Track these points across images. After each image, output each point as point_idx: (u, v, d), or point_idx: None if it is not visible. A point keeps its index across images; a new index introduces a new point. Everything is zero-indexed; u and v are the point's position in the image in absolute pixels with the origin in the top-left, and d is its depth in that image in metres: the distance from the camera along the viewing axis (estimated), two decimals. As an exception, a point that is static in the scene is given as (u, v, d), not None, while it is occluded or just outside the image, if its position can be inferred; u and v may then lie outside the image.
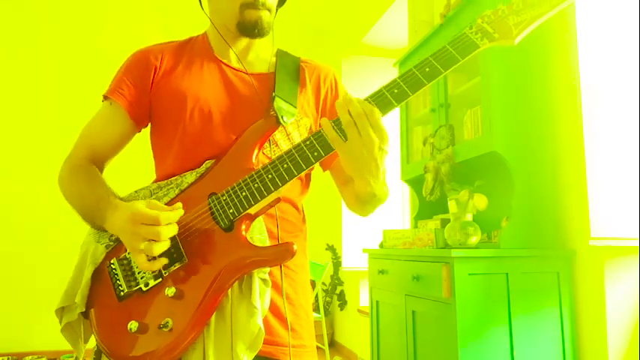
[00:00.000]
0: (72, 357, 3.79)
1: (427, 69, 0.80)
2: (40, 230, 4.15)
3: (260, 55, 1.06)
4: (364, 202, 0.92)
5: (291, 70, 1.04)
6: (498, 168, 2.07)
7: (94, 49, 4.47)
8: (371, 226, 4.15)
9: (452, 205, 2.03)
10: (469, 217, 2.00)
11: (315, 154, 0.81)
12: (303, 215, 1.04)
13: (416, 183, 2.74)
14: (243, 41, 1.03)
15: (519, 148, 1.97)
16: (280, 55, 1.07)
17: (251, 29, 0.96)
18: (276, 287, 0.91)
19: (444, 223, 2.31)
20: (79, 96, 4.41)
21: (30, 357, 3.84)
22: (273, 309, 0.90)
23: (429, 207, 2.65)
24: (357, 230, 4.31)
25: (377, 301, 2.45)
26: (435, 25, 2.45)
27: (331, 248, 4.54)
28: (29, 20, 4.32)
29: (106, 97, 1.00)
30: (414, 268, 2.02)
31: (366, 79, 4.43)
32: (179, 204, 0.81)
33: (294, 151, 0.82)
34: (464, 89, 2.33)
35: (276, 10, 1.00)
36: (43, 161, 4.25)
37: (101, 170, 1.02)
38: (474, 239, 1.96)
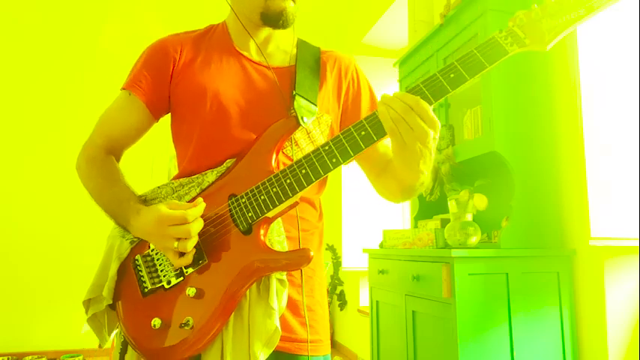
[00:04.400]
0: (72, 357, 3.79)
1: (452, 75, 0.78)
2: (40, 230, 4.15)
3: (280, 46, 1.04)
4: (412, 191, 0.93)
5: (312, 64, 1.02)
6: (498, 168, 2.07)
7: (94, 43, 4.47)
8: (371, 226, 4.15)
9: (452, 205, 2.03)
10: (469, 217, 2.00)
11: (334, 160, 0.81)
12: (320, 212, 1.04)
13: (416, 183, 2.73)
14: (264, 32, 1.01)
15: (519, 148, 1.97)
16: (300, 46, 1.05)
17: (275, 20, 0.95)
18: (292, 283, 0.92)
19: (444, 223, 2.31)
20: (79, 95, 4.41)
21: (30, 357, 3.84)
22: (290, 306, 0.91)
23: (429, 207, 2.65)
24: (357, 230, 4.31)
25: (377, 301, 2.45)
26: (435, 25, 2.45)
27: (331, 248, 4.55)
28: (31, 17, 4.32)
29: (124, 89, 0.99)
30: (414, 268, 2.02)
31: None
32: (200, 199, 0.84)
33: (312, 156, 0.82)
34: (464, 89, 2.32)
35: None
36: (44, 161, 4.25)
37: (118, 159, 1.03)
38: (474, 239, 1.96)
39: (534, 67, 2.05)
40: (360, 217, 4.28)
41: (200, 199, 0.84)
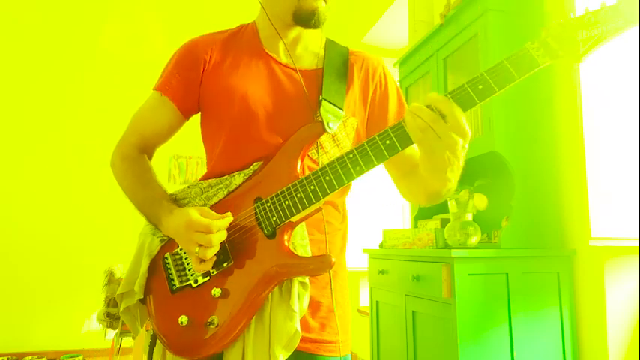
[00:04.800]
0: (72, 357, 3.79)
1: (480, 86, 0.77)
2: (40, 230, 4.15)
3: (309, 47, 1.05)
4: (438, 197, 0.93)
5: (339, 66, 1.02)
6: (498, 168, 2.07)
7: (93, 43, 4.47)
8: (371, 226, 4.15)
9: (452, 205, 2.03)
10: (469, 217, 2.00)
11: (357, 168, 0.82)
12: (344, 214, 1.05)
13: (416, 183, 2.74)
14: (293, 32, 1.01)
15: (519, 148, 1.97)
16: (329, 47, 1.06)
17: (307, 19, 0.96)
18: (314, 284, 0.94)
19: (444, 223, 2.31)
20: (79, 95, 4.41)
21: (30, 357, 3.84)
22: (311, 306, 0.92)
23: (429, 207, 2.64)
24: (357, 230, 4.31)
25: (377, 301, 2.45)
26: (435, 25, 2.45)
27: (331, 248, 4.54)
28: (31, 17, 4.32)
29: (156, 89, 1.02)
30: (414, 268, 2.02)
31: (366, 79, 4.42)
32: (229, 213, 0.87)
33: (337, 163, 0.83)
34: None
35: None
36: (44, 162, 4.25)
37: (150, 156, 1.06)
38: (474, 239, 1.96)
39: (534, 67, 2.05)
40: (360, 217, 4.28)
41: (229, 213, 0.87)
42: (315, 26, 0.97)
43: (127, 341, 3.23)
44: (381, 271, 2.34)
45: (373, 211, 4.23)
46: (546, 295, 1.85)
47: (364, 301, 3.95)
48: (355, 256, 4.23)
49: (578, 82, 1.93)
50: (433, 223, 2.44)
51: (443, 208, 2.34)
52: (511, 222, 1.91)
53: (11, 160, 4.19)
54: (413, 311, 2.04)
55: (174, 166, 4.45)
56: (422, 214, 2.67)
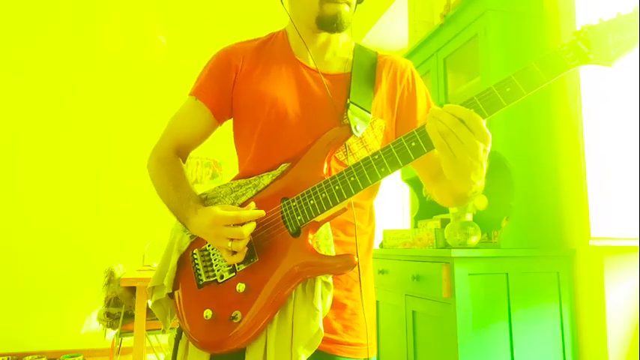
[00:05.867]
0: (72, 357, 3.79)
1: (508, 89, 0.77)
2: (40, 230, 4.15)
3: (337, 53, 1.07)
4: (464, 199, 0.94)
5: (367, 69, 1.05)
6: (498, 168, 2.07)
7: (93, 42, 4.47)
8: (371, 226, 4.14)
9: (452, 205, 2.03)
10: (469, 217, 2.00)
11: (382, 169, 0.83)
12: (370, 216, 1.06)
13: (416, 183, 2.74)
14: (322, 37, 1.04)
15: (519, 148, 1.97)
16: (357, 52, 1.08)
17: (329, 23, 0.97)
18: (338, 286, 0.95)
19: (444, 223, 2.31)
20: (79, 95, 4.41)
21: (30, 357, 3.84)
22: (334, 307, 0.94)
23: (429, 207, 2.65)
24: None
25: (377, 301, 2.45)
26: (435, 25, 2.45)
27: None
28: (32, 17, 4.32)
29: (191, 95, 1.07)
30: (414, 268, 2.02)
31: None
32: (252, 204, 0.90)
33: (362, 164, 0.85)
34: (464, 89, 2.33)
35: (355, 6, 1.01)
36: (44, 162, 4.25)
37: (184, 159, 1.10)
38: (474, 239, 1.96)
39: (534, 67, 2.05)
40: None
41: (252, 203, 0.90)
42: (338, 30, 0.99)
43: (127, 341, 3.23)
44: (381, 271, 2.35)
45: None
46: (546, 295, 1.85)
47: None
48: (355, 256, 4.22)
49: (578, 81, 1.93)
50: (433, 223, 2.44)
51: (443, 208, 2.34)
52: (511, 222, 1.91)
53: (11, 161, 4.19)
54: (413, 311, 2.04)
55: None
56: (422, 214, 2.67)
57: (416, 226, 2.64)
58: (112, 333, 3.18)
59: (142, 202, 4.11)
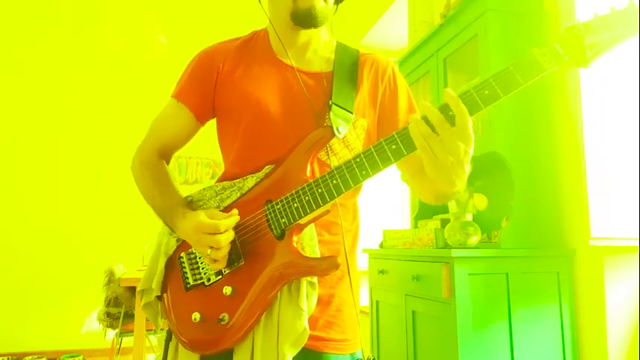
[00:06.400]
0: (72, 357, 3.79)
1: (486, 91, 0.78)
2: (40, 230, 4.15)
3: (318, 51, 1.06)
4: (445, 198, 0.95)
5: (349, 68, 1.04)
6: (498, 168, 2.07)
7: (93, 42, 4.47)
8: (371, 226, 4.15)
9: (452, 205, 2.03)
10: (469, 217, 2.00)
11: (364, 172, 0.84)
12: (354, 214, 1.07)
13: (416, 183, 2.73)
14: (303, 36, 1.03)
15: (519, 148, 1.97)
16: (339, 50, 1.08)
17: (304, 17, 0.97)
18: (322, 283, 0.96)
19: (444, 223, 2.31)
20: (78, 96, 4.41)
21: (30, 357, 3.84)
22: (319, 305, 0.94)
23: (429, 207, 2.64)
24: (357, 230, 4.30)
25: (377, 301, 2.45)
26: (435, 25, 2.45)
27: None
28: (32, 17, 4.32)
29: (173, 97, 1.07)
30: (414, 268, 2.02)
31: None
32: (235, 210, 0.91)
33: (344, 167, 0.85)
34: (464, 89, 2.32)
35: (333, 3, 1.01)
36: (44, 162, 4.25)
37: (168, 160, 1.11)
38: (474, 239, 1.96)
39: (534, 67, 2.05)
40: (360, 217, 4.28)
41: (235, 210, 0.91)
42: (314, 25, 0.98)
43: (127, 341, 3.23)
44: (381, 271, 2.35)
45: (373, 211, 4.23)
46: (546, 295, 1.85)
47: (364, 301, 3.95)
48: (355, 256, 4.23)
49: (578, 81, 1.93)
50: (433, 223, 2.44)
51: (443, 208, 2.34)
52: (511, 222, 1.91)
53: (11, 161, 4.19)
54: (413, 311, 2.04)
55: (174, 166, 4.45)
56: (422, 214, 2.67)
57: (416, 226, 2.64)
58: (112, 333, 3.18)
59: (141, 202, 4.09)
